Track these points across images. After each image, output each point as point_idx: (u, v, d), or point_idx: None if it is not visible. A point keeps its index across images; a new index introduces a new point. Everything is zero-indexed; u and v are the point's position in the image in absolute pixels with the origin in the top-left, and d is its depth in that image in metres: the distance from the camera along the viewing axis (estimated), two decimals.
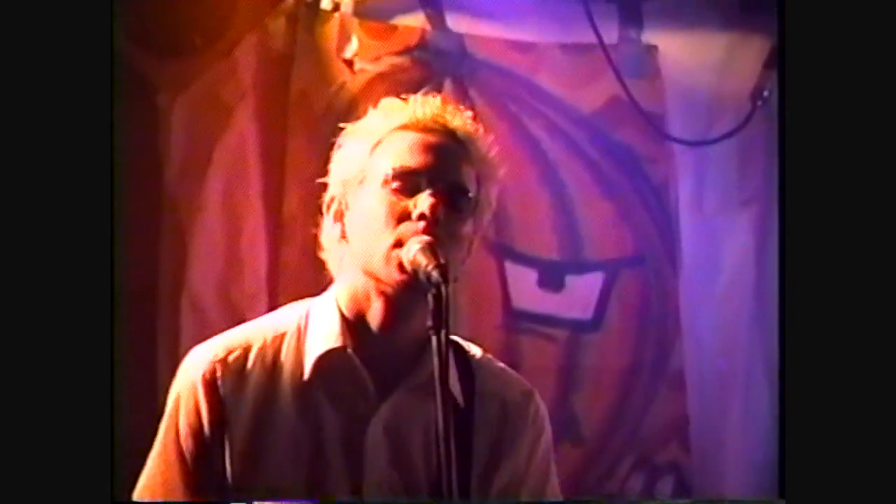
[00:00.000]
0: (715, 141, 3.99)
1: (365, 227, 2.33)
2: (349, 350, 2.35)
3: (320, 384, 2.37)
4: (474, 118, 2.43)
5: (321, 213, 2.44)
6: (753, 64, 4.02)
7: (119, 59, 3.17)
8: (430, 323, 2.16)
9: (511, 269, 3.85)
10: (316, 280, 3.60)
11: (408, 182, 2.31)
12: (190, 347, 3.49)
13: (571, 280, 3.90)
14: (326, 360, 2.36)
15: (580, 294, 3.91)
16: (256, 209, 3.64)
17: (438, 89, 3.76)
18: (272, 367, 2.39)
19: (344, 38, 3.73)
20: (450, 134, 2.37)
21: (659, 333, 3.93)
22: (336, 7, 3.73)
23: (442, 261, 2.21)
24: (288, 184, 3.63)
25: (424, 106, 2.39)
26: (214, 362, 2.39)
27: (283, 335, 2.42)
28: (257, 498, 2.34)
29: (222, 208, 3.59)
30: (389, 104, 2.42)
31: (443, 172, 2.33)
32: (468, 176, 2.36)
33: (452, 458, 2.11)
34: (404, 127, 2.37)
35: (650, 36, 3.99)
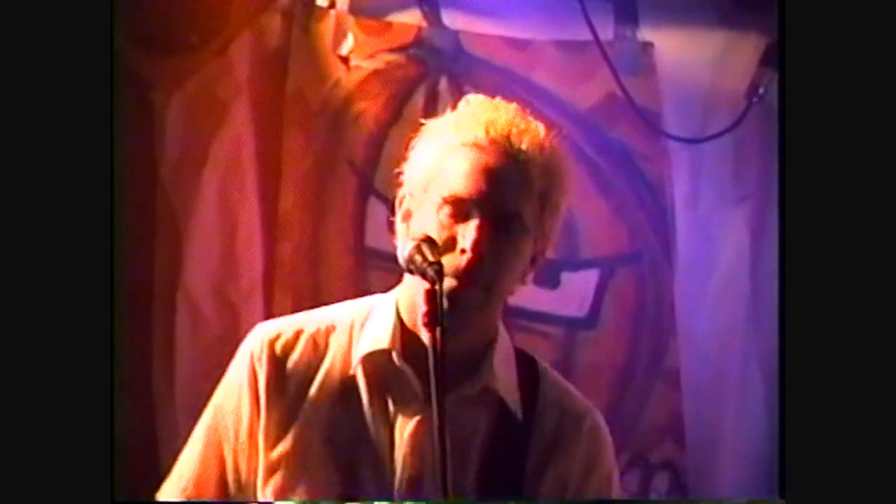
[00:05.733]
0: (711, 138, 3.98)
1: None
2: (394, 354, 2.37)
3: (367, 381, 2.39)
4: (547, 128, 2.41)
5: (394, 208, 2.45)
6: (749, 61, 4.02)
7: (115, 56, 3.16)
8: (424, 320, 2.19)
9: None
10: (311, 277, 3.63)
11: (458, 208, 2.32)
12: (185, 345, 3.52)
13: (567, 277, 3.89)
14: (373, 360, 2.38)
15: (575, 291, 3.90)
16: (252, 206, 3.63)
17: (434, 86, 3.77)
18: (321, 354, 2.41)
19: (339, 35, 3.72)
20: (513, 156, 2.34)
21: (654, 331, 3.92)
22: (331, 4, 3.73)
23: (436, 258, 2.23)
24: (283, 181, 3.63)
25: (497, 120, 2.36)
26: (263, 340, 2.42)
27: (336, 326, 2.44)
28: (291, 486, 2.35)
29: (217, 205, 3.59)
30: (466, 111, 2.41)
31: (495, 200, 2.32)
32: (524, 200, 2.35)
33: (447, 456, 2.13)
34: (470, 144, 2.35)
35: (646, 33, 3.98)
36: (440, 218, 2.32)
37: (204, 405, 3.55)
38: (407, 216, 2.41)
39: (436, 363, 2.16)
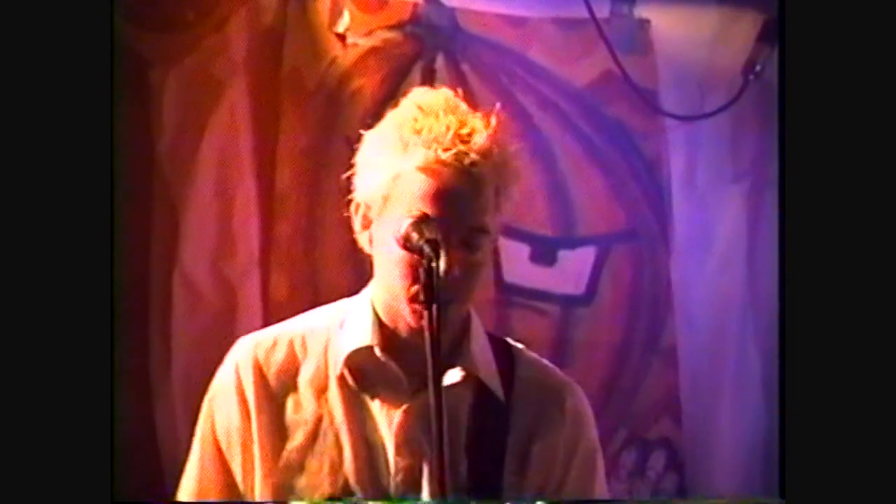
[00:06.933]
0: (707, 115, 3.99)
1: (387, 264, 2.35)
2: (377, 349, 2.38)
3: (352, 378, 2.41)
4: (486, 116, 2.37)
5: (350, 210, 2.44)
6: (746, 38, 4.02)
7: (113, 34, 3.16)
8: (421, 297, 2.21)
9: (503, 243, 3.84)
10: (308, 254, 3.63)
11: None
12: (182, 323, 3.52)
13: (563, 255, 3.89)
14: (356, 357, 2.40)
15: (572, 269, 3.90)
16: (248, 184, 3.63)
17: (431, 63, 3.76)
18: (303, 358, 2.43)
19: (335, 13, 3.71)
20: (467, 173, 2.31)
21: (651, 308, 3.93)
22: None
23: (433, 236, 2.24)
24: (280, 158, 3.63)
25: (441, 135, 2.32)
26: (246, 350, 2.45)
27: (314, 331, 2.46)
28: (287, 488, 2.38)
29: (214, 183, 3.58)
30: (406, 116, 2.37)
31: (458, 220, 2.31)
32: (484, 210, 2.34)
33: (445, 440, 2.16)
34: (422, 168, 2.31)
35: (642, 10, 3.98)
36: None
37: (201, 389, 3.55)
38: (367, 224, 2.40)
39: (432, 342, 2.17)
